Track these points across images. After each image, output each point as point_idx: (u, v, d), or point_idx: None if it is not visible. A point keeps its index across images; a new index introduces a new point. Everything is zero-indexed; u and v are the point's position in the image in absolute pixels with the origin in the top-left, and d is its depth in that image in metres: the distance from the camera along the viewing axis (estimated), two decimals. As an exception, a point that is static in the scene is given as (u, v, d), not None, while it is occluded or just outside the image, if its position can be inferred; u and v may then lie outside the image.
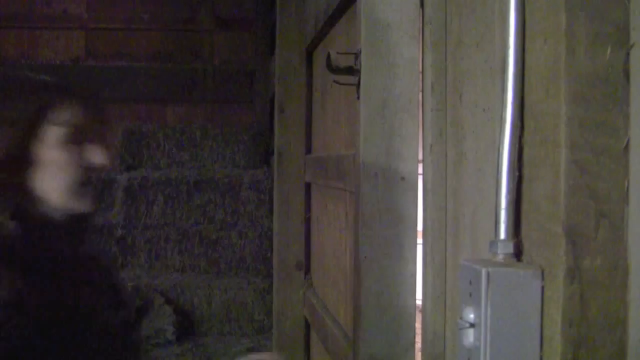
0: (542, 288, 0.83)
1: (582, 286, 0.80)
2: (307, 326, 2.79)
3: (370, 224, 1.57)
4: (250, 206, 4.04)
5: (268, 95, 4.64)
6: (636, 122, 0.80)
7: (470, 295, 0.87)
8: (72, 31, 4.80)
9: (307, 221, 2.83)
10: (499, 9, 1.13)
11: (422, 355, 1.50)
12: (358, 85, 1.64)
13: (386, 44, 1.58)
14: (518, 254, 0.89)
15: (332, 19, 2.25)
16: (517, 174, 0.89)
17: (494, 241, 0.90)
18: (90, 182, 1.07)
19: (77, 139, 1.06)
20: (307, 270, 2.84)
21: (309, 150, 2.85)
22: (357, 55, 1.65)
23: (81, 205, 1.07)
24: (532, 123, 0.87)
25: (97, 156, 1.07)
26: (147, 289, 3.60)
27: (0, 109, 1.06)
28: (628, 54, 0.80)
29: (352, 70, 1.69)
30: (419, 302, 1.62)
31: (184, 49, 4.86)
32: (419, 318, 1.61)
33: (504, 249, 0.89)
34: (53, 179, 1.05)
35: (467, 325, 0.86)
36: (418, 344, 1.57)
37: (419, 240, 1.65)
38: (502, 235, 0.89)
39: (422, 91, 1.58)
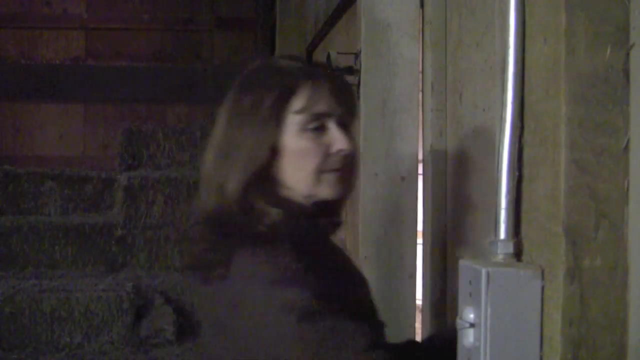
0: (542, 288, 0.83)
1: (582, 286, 0.79)
2: (307, 326, 2.78)
3: (370, 224, 1.57)
4: (250, 206, 4.03)
5: (268, 95, 4.64)
6: (636, 122, 0.79)
7: (470, 295, 0.87)
8: (72, 31, 4.80)
9: (307, 221, 2.82)
10: (499, 9, 1.13)
11: (422, 355, 1.50)
12: (358, 85, 1.64)
13: (386, 44, 1.58)
14: (518, 254, 0.89)
15: (332, 19, 2.25)
16: (517, 174, 0.89)
17: (494, 241, 0.90)
18: (336, 168, 1.05)
19: (321, 125, 1.04)
20: (307, 270, 2.84)
21: (309, 150, 2.84)
22: (357, 55, 1.65)
23: (330, 193, 1.06)
24: (532, 123, 0.87)
25: (342, 142, 1.05)
26: (147, 289, 3.59)
27: (244, 98, 1.05)
28: (628, 54, 0.80)
29: (352, 70, 1.69)
30: (419, 302, 1.62)
31: (184, 49, 4.86)
32: (418, 318, 1.61)
33: (504, 249, 0.88)
34: (300, 167, 1.04)
35: (467, 325, 0.86)
36: (418, 344, 1.57)
37: (419, 240, 1.65)
38: (502, 235, 0.89)
39: (422, 91, 1.59)
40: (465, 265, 0.90)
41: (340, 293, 0.98)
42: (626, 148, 0.80)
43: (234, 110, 1.06)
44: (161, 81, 4.79)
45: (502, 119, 0.89)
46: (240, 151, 1.03)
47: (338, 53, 1.80)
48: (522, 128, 0.88)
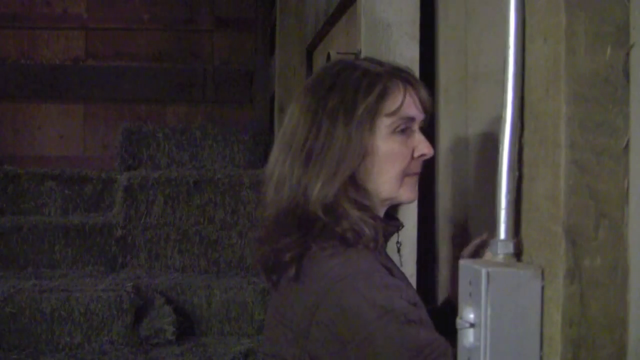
0: (542, 288, 0.83)
1: (582, 286, 0.79)
2: (307, 326, 2.79)
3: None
4: (250, 206, 4.04)
5: (268, 95, 4.64)
6: (636, 122, 0.79)
7: (470, 295, 0.87)
8: (72, 31, 4.80)
9: (307, 221, 2.82)
10: (464, 27, 1.13)
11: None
12: (358, 85, 1.64)
13: (386, 44, 1.58)
14: (518, 254, 0.89)
15: (332, 19, 2.25)
16: (517, 173, 0.89)
17: (494, 241, 0.90)
18: (416, 172, 1.06)
19: (407, 128, 1.05)
20: (307, 270, 2.84)
21: (309, 150, 2.84)
22: (357, 55, 1.65)
23: (409, 197, 1.06)
24: (532, 123, 0.87)
25: (426, 147, 1.05)
26: (147, 289, 3.60)
27: (332, 100, 1.04)
28: (628, 54, 0.80)
29: (352, 70, 1.69)
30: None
31: (184, 49, 4.87)
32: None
33: (504, 249, 0.88)
34: (385, 169, 1.04)
35: (467, 325, 0.86)
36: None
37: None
38: (502, 235, 0.89)
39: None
40: (465, 265, 0.90)
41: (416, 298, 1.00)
42: (626, 148, 0.80)
43: (319, 111, 1.04)
44: (161, 81, 4.79)
45: (502, 119, 0.89)
46: (331, 153, 1.01)
47: (338, 53, 1.80)
48: (522, 128, 0.88)
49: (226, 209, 4.03)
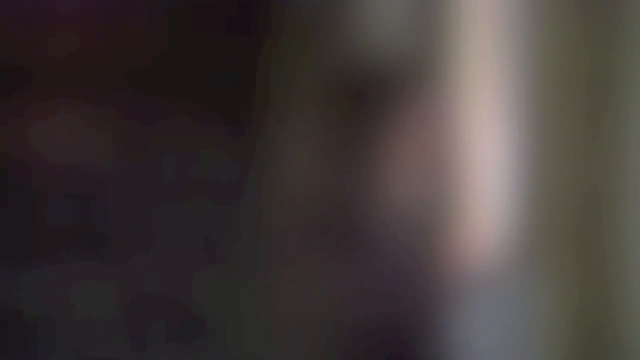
0: (543, 288, 0.83)
1: (582, 286, 0.80)
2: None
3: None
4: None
5: (268, 95, 4.65)
6: (636, 122, 0.80)
7: (471, 295, 0.87)
8: (72, 31, 4.81)
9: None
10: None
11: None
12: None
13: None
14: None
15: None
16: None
17: (494, 241, 0.90)
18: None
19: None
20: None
21: (309, 150, 2.85)
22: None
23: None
24: (532, 123, 0.87)
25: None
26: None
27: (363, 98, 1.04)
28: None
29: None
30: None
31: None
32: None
33: (504, 249, 0.89)
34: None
35: (467, 325, 0.86)
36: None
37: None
38: (502, 235, 0.89)
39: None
40: (465, 265, 0.90)
41: None
42: (626, 148, 0.80)
43: None
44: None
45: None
46: None
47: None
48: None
49: (226, 209, 4.05)
